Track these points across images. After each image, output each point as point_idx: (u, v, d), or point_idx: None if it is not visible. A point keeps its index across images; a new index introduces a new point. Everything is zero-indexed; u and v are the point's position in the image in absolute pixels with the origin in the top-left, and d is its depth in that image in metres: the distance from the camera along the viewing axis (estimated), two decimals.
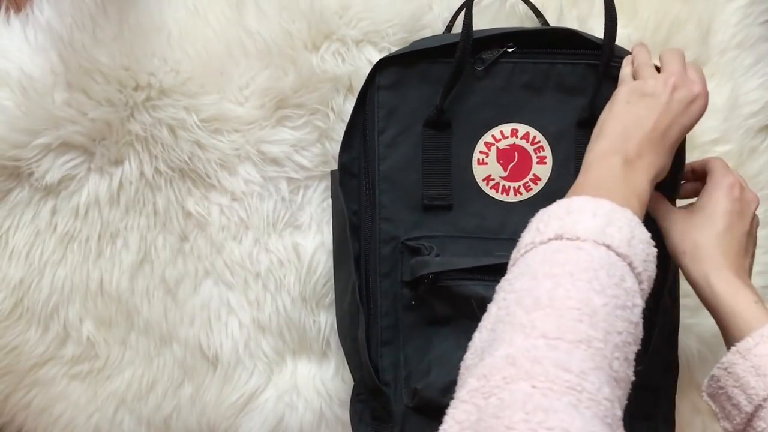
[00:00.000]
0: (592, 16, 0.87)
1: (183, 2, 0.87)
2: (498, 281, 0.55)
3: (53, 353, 0.93)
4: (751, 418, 0.59)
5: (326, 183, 0.90)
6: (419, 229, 0.80)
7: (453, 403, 0.46)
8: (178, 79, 0.86)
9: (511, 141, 0.78)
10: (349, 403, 0.86)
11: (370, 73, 0.78)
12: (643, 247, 0.55)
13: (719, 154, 0.88)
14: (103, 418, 0.94)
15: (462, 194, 0.79)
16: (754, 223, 0.70)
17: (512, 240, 0.58)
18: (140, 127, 0.87)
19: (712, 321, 0.66)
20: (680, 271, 0.70)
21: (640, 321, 0.52)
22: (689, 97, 0.65)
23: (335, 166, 0.85)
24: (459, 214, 0.79)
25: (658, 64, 0.70)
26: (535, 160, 0.78)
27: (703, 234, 0.67)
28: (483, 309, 0.54)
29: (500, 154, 0.78)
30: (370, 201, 0.80)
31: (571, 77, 0.77)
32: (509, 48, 0.76)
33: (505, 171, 0.79)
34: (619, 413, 0.46)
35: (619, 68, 0.72)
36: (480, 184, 0.79)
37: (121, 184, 0.89)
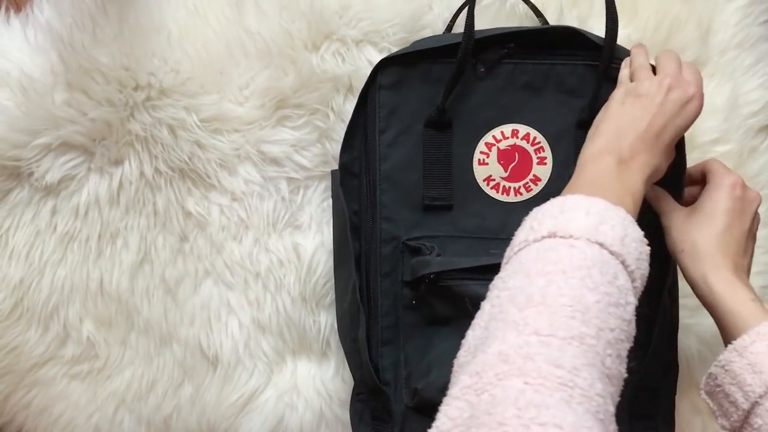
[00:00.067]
0: (592, 16, 0.87)
1: (183, 2, 0.87)
2: None
3: (53, 353, 0.93)
4: (748, 415, 0.60)
5: (326, 183, 0.90)
6: (420, 229, 0.80)
7: (446, 400, 0.46)
8: (178, 79, 0.86)
9: (511, 141, 0.78)
10: (349, 403, 0.86)
11: (371, 72, 0.78)
12: (636, 246, 0.55)
13: (719, 154, 0.88)
14: (103, 418, 0.94)
15: (462, 194, 0.79)
16: (755, 221, 0.70)
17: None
18: (140, 127, 0.87)
19: (711, 321, 0.66)
20: (679, 270, 0.71)
21: (633, 318, 0.52)
22: (684, 98, 0.65)
23: (335, 166, 0.85)
24: (459, 215, 0.79)
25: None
26: (535, 160, 0.78)
27: (702, 233, 0.67)
28: (477, 307, 0.54)
29: (501, 154, 0.79)
30: (371, 201, 0.80)
31: (570, 78, 0.77)
32: (509, 47, 0.77)
33: (506, 171, 0.79)
34: (612, 409, 0.46)
35: (618, 69, 0.73)
36: (480, 185, 0.79)
37: (121, 184, 0.89)
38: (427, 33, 0.86)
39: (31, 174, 0.87)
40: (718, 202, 0.68)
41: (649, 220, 0.69)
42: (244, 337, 0.92)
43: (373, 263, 0.81)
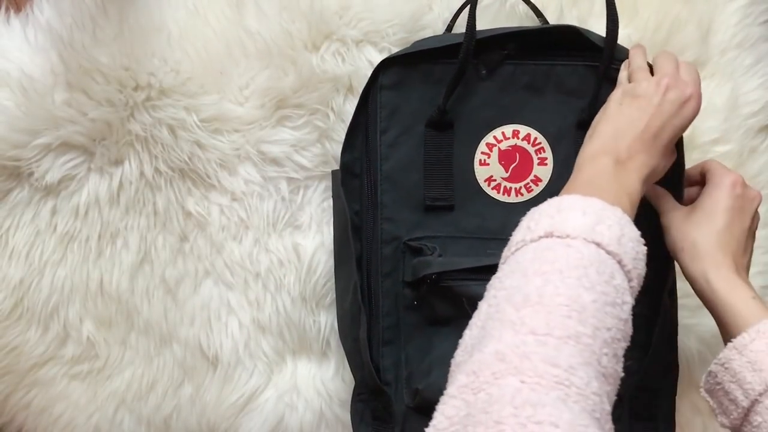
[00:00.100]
0: (592, 16, 0.87)
1: (183, 2, 0.87)
2: None
3: (53, 353, 0.93)
4: (747, 412, 0.60)
5: (326, 183, 0.90)
6: (421, 229, 0.80)
7: (443, 399, 0.46)
8: (178, 79, 0.86)
9: (512, 142, 0.78)
10: (349, 403, 0.86)
11: (372, 73, 0.78)
12: (632, 245, 0.55)
13: (719, 154, 0.88)
14: (103, 418, 0.94)
15: (463, 195, 0.79)
16: (755, 220, 0.71)
17: None
18: (140, 127, 0.87)
19: (712, 321, 0.66)
20: (678, 269, 0.71)
21: (630, 318, 0.53)
22: (682, 99, 0.65)
23: (335, 166, 0.85)
24: (460, 215, 0.79)
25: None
26: (536, 161, 0.78)
27: (702, 231, 0.67)
28: (474, 307, 0.54)
29: (502, 155, 0.79)
30: (372, 201, 0.80)
31: (571, 79, 0.77)
32: (510, 48, 0.77)
33: (507, 172, 0.79)
34: (608, 408, 0.46)
35: (618, 70, 0.73)
36: (481, 185, 0.79)
37: (121, 184, 0.89)
38: (427, 33, 0.86)
39: (31, 174, 0.87)
40: (718, 200, 0.68)
41: (649, 220, 0.69)
42: (244, 337, 0.92)
43: (374, 263, 0.81)
